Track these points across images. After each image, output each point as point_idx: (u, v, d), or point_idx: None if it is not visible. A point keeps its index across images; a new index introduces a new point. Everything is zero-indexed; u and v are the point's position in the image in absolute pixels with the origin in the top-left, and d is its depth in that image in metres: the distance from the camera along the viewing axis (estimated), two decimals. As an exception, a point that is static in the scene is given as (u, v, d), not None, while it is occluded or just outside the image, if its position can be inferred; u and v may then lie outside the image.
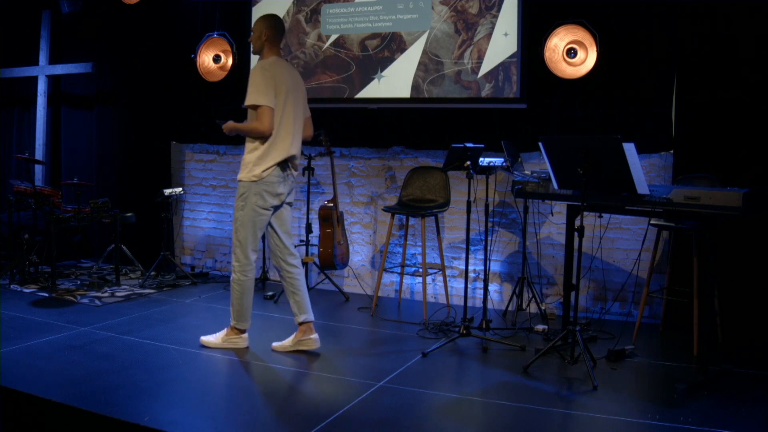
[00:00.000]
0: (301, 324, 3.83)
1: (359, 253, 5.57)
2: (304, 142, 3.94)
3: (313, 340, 3.83)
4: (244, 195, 3.68)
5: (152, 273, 5.61)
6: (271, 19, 3.79)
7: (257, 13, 5.68)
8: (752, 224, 4.07)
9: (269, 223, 3.82)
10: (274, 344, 3.88)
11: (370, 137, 5.47)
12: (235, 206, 3.74)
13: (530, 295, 4.72)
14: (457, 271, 5.24)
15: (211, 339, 3.88)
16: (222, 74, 5.72)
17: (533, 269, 4.89)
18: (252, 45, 3.82)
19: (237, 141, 3.72)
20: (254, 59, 5.70)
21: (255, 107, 3.63)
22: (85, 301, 4.83)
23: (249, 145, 3.70)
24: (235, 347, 3.83)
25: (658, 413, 2.98)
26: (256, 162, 3.65)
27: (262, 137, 3.64)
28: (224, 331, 3.88)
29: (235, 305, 3.79)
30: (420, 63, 5.16)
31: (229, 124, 3.75)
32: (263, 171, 3.64)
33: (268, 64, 3.70)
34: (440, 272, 5.04)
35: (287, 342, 3.86)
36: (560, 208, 4.79)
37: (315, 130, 4.01)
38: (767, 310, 4.18)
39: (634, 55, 4.58)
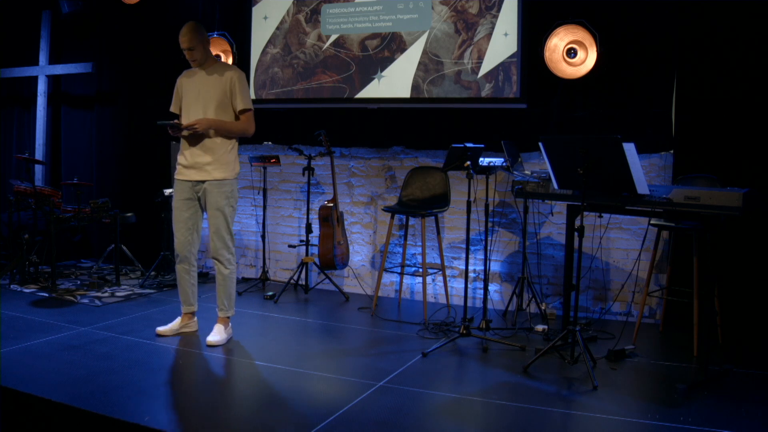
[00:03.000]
0: (192, 313, 4.13)
1: (359, 253, 5.57)
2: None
3: (194, 322, 4.15)
4: (233, 191, 3.91)
5: (152, 273, 5.61)
6: (201, 26, 3.88)
7: (257, 13, 5.68)
8: (752, 224, 4.07)
9: (194, 219, 4.00)
10: (160, 329, 4.06)
11: (370, 137, 5.47)
12: (224, 204, 3.86)
13: (530, 295, 4.72)
14: (457, 271, 5.24)
15: (219, 337, 3.90)
16: (222, 74, 5.71)
17: (533, 269, 4.89)
18: (199, 59, 3.88)
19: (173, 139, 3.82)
20: (255, 59, 5.70)
21: (246, 110, 3.89)
22: (85, 301, 4.83)
23: (225, 144, 3.88)
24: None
25: (658, 413, 2.98)
26: (235, 160, 3.95)
27: (242, 137, 3.97)
28: (221, 326, 3.94)
29: (232, 295, 3.98)
30: (420, 63, 5.16)
31: (206, 121, 3.83)
32: (239, 168, 3.99)
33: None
34: (440, 272, 5.04)
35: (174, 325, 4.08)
36: (560, 208, 4.79)
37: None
38: (767, 310, 4.18)
39: (634, 55, 4.58)
